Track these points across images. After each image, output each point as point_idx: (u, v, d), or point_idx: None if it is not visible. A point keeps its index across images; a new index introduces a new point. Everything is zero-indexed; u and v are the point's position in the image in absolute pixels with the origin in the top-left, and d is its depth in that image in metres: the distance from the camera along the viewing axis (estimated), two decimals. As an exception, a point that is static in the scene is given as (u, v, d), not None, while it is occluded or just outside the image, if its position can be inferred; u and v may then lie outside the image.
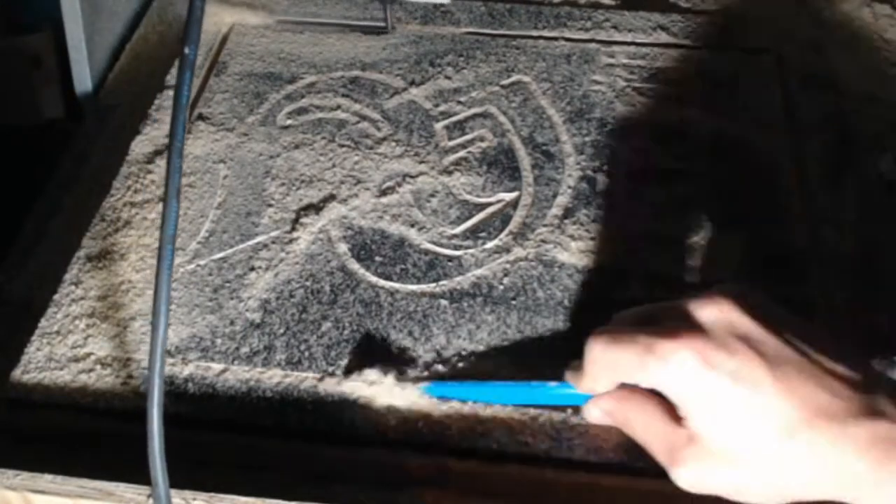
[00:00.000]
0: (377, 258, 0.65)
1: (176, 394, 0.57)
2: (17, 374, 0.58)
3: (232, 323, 0.61)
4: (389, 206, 0.68)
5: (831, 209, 0.67)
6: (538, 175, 0.70)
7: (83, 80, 0.78)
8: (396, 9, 0.83)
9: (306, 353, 0.59)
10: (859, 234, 0.66)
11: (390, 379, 0.57)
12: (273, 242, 0.66)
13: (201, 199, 0.68)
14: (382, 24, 0.82)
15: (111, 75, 0.80)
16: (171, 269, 0.48)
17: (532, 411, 0.56)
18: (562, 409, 0.56)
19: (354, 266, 0.64)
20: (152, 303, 0.48)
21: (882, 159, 0.71)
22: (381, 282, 0.63)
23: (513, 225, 0.67)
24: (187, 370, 0.58)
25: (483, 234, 0.66)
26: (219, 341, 0.60)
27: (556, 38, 0.81)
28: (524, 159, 0.71)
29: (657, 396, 0.50)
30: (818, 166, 0.70)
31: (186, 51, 0.47)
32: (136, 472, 0.52)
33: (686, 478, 0.49)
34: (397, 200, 0.68)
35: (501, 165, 0.71)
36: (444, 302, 0.62)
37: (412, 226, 0.67)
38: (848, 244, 0.65)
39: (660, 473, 0.54)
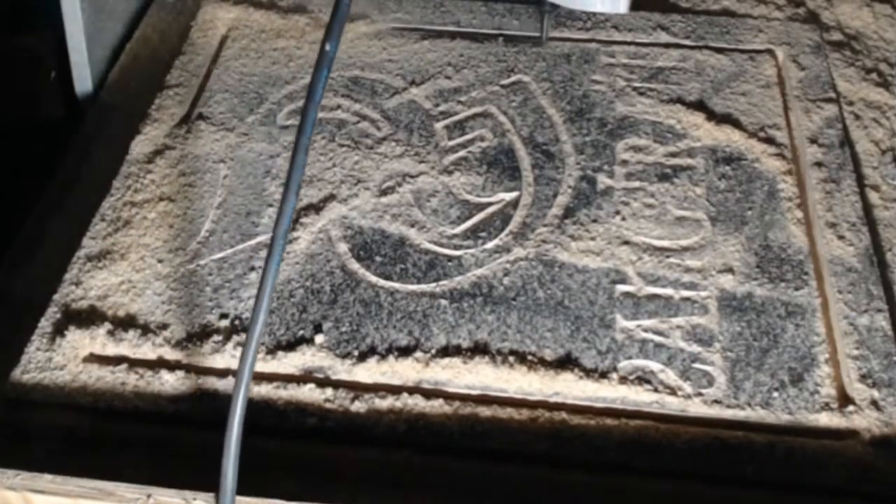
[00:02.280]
0: (377, 258, 0.65)
1: (177, 394, 0.57)
2: (16, 374, 0.58)
3: (232, 323, 0.61)
4: (389, 205, 0.68)
5: (831, 211, 0.67)
6: (538, 175, 0.70)
7: (83, 80, 0.78)
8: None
9: (307, 354, 0.59)
10: (859, 237, 0.66)
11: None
12: (273, 242, 0.66)
13: (201, 199, 0.68)
14: (537, 34, 0.81)
15: (111, 75, 0.80)
16: (279, 265, 0.47)
17: (532, 412, 0.56)
18: (561, 408, 0.56)
19: (354, 266, 0.64)
20: (255, 297, 0.47)
21: (882, 162, 0.72)
22: (381, 282, 0.63)
23: (513, 225, 0.67)
24: (188, 370, 0.58)
25: (483, 234, 0.66)
26: (220, 341, 0.60)
27: (555, 38, 0.81)
28: (524, 159, 0.71)
29: None
30: (818, 168, 0.70)
31: (327, 47, 0.47)
32: (135, 472, 0.53)
33: None
34: (397, 200, 0.68)
35: (501, 165, 0.71)
36: (444, 302, 0.62)
37: (412, 225, 0.67)
38: (848, 247, 0.65)
39: (659, 473, 0.54)
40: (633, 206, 0.68)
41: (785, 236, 0.66)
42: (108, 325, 0.60)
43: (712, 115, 0.74)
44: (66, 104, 0.90)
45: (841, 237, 0.65)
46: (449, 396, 0.57)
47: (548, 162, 0.71)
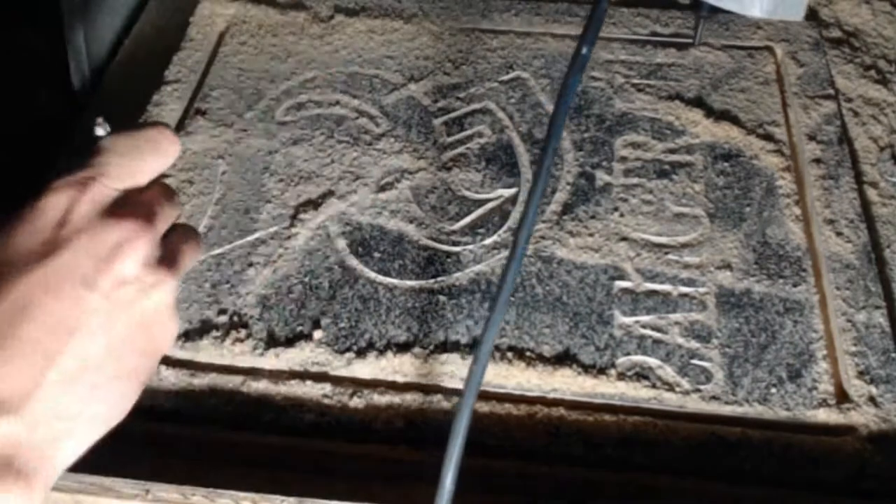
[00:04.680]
0: (376, 254, 0.65)
1: (175, 389, 0.57)
2: (15, 369, 0.58)
3: (231, 319, 0.61)
4: (388, 201, 0.68)
5: (829, 208, 0.67)
6: (537, 171, 0.70)
7: (82, 76, 0.78)
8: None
9: (305, 350, 0.59)
10: (857, 234, 0.66)
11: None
12: (272, 238, 0.66)
13: (200, 195, 0.68)
14: (690, 40, 0.80)
15: (109, 71, 0.80)
16: (519, 267, 0.47)
17: (530, 408, 0.56)
18: (559, 404, 0.57)
19: (353, 262, 0.64)
20: (491, 305, 0.48)
21: (881, 159, 0.72)
22: (380, 277, 0.63)
23: (511, 221, 0.67)
24: (186, 366, 0.58)
25: (482, 231, 0.66)
26: (218, 337, 0.60)
27: (555, 35, 0.81)
28: (523, 155, 0.71)
29: None
30: (816, 164, 0.70)
31: (584, 51, 0.46)
32: (134, 468, 0.52)
33: None
34: (396, 196, 0.68)
35: (500, 161, 0.71)
36: (442, 298, 0.62)
37: (411, 222, 0.67)
38: (846, 244, 0.65)
39: (657, 468, 0.54)
40: (631, 202, 0.68)
41: (783, 233, 0.66)
42: (106, 321, 0.60)
43: (711, 112, 0.74)
44: (64, 101, 0.90)
45: (839, 234, 0.65)
46: (447, 392, 0.57)
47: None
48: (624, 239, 0.65)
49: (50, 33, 0.88)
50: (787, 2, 0.59)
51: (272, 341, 0.60)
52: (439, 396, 0.57)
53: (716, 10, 0.69)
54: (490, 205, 0.68)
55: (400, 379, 0.58)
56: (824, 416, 0.57)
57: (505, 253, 0.65)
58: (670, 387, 0.58)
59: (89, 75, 0.78)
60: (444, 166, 0.70)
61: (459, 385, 0.58)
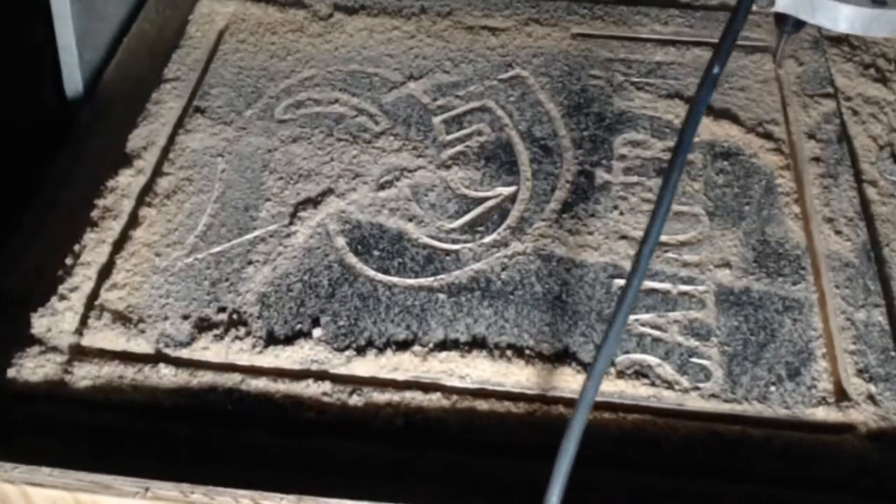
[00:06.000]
0: (375, 252, 0.65)
1: (175, 387, 0.57)
2: (14, 367, 0.58)
3: (230, 317, 0.61)
4: (387, 200, 0.68)
5: (828, 206, 0.67)
6: (536, 169, 0.70)
7: (73, 82, 0.78)
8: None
9: (305, 348, 0.59)
10: (856, 232, 0.66)
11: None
12: (271, 236, 0.66)
13: (199, 193, 0.68)
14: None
15: (108, 70, 0.80)
16: (643, 277, 0.45)
17: (529, 406, 0.56)
18: (558, 402, 0.57)
19: (352, 260, 0.64)
20: (607, 327, 0.46)
21: (880, 158, 0.72)
22: (380, 276, 0.63)
23: (511, 219, 0.67)
24: (186, 364, 0.58)
25: (481, 229, 0.66)
26: (218, 335, 0.60)
27: (555, 33, 0.81)
28: (522, 153, 0.71)
29: None
30: (816, 163, 0.70)
31: (715, 70, 0.45)
32: (134, 466, 0.52)
33: None
34: (395, 195, 0.68)
35: (499, 160, 0.71)
36: (442, 296, 0.62)
37: (410, 220, 0.67)
38: (845, 242, 0.65)
39: (656, 467, 0.54)
40: (630, 200, 0.68)
41: (782, 231, 0.66)
42: (105, 319, 0.60)
43: (710, 110, 0.74)
44: (64, 100, 0.90)
45: (838, 232, 0.66)
46: (447, 390, 0.57)
47: (546, 156, 0.71)
48: (623, 237, 0.65)
49: (49, 33, 0.88)
50: (882, 19, 0.58)
51: (271, 339, 0.60)
52: (438, 395, 0.57)
53: (800, 25, 0.66)
54: (489, 203, 0.68)
55: (399, 377, 0.58)
56: (823, 414, 0.57)
57: (505, 251, 0.65)
58: (669, 385, 0.58)
59: (81, 81, 0.78)
60: (443, 164, 0.70)
61: (460, 384, 0.58)
